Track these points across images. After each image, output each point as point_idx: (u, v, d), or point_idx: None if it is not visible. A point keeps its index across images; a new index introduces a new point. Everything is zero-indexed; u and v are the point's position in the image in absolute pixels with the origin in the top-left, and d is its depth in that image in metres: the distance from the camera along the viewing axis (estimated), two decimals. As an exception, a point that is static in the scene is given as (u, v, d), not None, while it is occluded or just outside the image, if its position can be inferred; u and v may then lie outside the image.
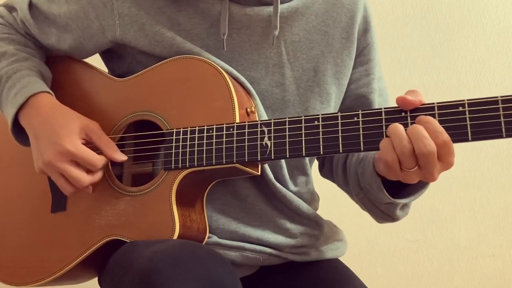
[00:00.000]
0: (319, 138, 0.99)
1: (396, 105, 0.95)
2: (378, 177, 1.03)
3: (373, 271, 2.10)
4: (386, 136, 0.94)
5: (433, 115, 0.92)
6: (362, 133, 0.96)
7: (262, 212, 1.15)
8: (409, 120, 0.93)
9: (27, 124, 1.12)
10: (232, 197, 1.14)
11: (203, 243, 1.10)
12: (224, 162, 1.03)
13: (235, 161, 1.03)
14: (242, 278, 1.11)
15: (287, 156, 1.00)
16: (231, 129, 1.03)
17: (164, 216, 1.04)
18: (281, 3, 1.13)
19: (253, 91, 1.11)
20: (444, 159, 0.91)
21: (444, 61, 2.10)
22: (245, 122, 1.04)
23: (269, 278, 1.19)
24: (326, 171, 1.29)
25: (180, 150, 1.06)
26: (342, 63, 1.19)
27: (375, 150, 0.96)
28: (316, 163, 1.30)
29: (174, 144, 1.07)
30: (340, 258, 1.27)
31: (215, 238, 1.13)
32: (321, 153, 0.99)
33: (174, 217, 1.03)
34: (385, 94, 1.26)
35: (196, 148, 1.05)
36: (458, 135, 0.90)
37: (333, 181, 1.29)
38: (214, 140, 1.04)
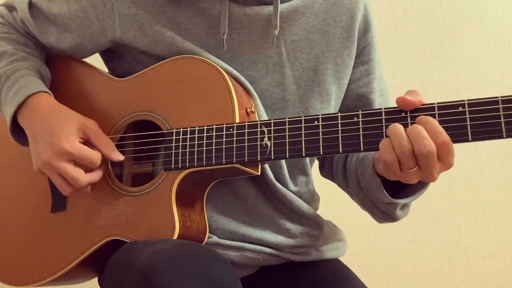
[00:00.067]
0: (319, 138, 0.99)
1: (396, 105, 0.95)
2: (378, 177, 1.03)
3: (373, 271, 2.10)
4: (386, 136, 0.94)
5: (433, 115, 0.92)
6: (362, 133, 0.96)
7: (262, 212, 1.15)
8: (409, 120, 0.93)
9: (26, 124, 1.12)
10: (232, 197, 1.14)
11: (203, 243, 1.10)
12: (224, 162, 1.03)
13: (235, 161, 1.03)
14: (242, 278, 1.11)
15: (287, 156, 1.00)
16: (231, 129, 1.03)
17: (164, 216, 1.04)
18: (281, 2, 1.13)
19: (253, 91, 1.11)
20: (444, 160, 0.91)
21: (444, 61, 2.10)
22: (245, 122, 1.04)
23: (269, 278, 1.19)
24: (326, 171, 1.29)
25: (180, 150, 1.06)
26: (342, 63, 1.19)
27: (375, 150, 0.96)
28: (316, 163, 1.30)
29: (174, 144, 1.07)
30: (340, 258, 1.27)
31: (215, 238, 1.13)
32: (321, 153, 0.99)
33: (174, 217, 1.03)
34: (385, 94, 1.26)
35: (196, 149, 1.05)
36: (458, 135, 0.90)
37: (333, 181, 1.29)
38: (214, 140, 1.04)
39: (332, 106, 1.19)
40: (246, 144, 1.03)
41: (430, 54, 2.10)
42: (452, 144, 0.90)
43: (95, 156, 1.07)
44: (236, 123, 1.04)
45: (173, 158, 1.06)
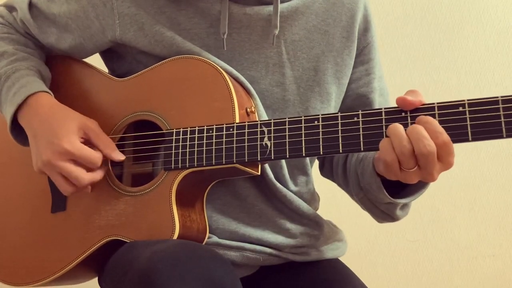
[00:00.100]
0: (319, 138, 0.99)
1: (396, 105, 0.95)
2: (378, 177, 1.03)
3: (373, 271, 2.10)
4: (386, 136, 0.94)
5: (433, 115, 0.92)
6: (362, 133, 0.96)
7: (262, 212, 1.15)
8: (409, 120, 0.93)
9: (26, 123, 1.12)
10: (232, 197, 1.14)
11: (203, 243, 1.10)
12: (224, 162, 1.03)
13: (235, 161, 1.03)
14: (242, 278, 1.11)
15: (287, 156, 1.00)
16: (231, 129, 1.03)
17: (164, 216, 1.04)
18: (281, 2, 1.13)
19: (253, 91, 1.11)
20: (444, 160, 0.91)
21: (444, 61, 2.10)
22: (245, 122, 1.04)
23: (269, 278, 1.19)
24: (326, 171, 1.29)
25: (180, 150, 1.06)
26: (342, 63, 1.19)
27: (375, 150, 0.96)
28: (316, 163, 1.30)
29: (174, 144, 1.07)
30: (340, 258, 1.27)
31: (215, 238, 1.13)
32: (321, 153, 0.99)
33: (174, 217, 1.03)
34: (385, 94, 1.26)
35: (196, 149, 1.05)
36: (459, 135, 0.90)
37: (333, 181, 1.29)
38: (214, 140, 1.04)
39: (332, 106, 1.19)
40: (246, 144, 1.03)
41: (430, 54, 2.10)
42: (452, 144, 0.90)
43: (95, 156, 1.07)
44: (236, 123, 1.04)
45: (173, 158, 1.06)
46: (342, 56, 1.19)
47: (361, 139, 0.96)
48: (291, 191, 1.16)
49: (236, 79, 1.10)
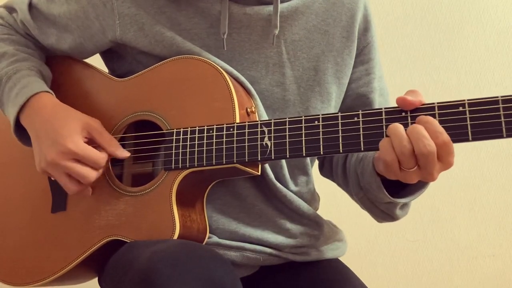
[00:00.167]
0: (319, 138, 0.99)
1: (396, 105, 0.95)
2: (377, 176, 1.03)
3: (373, 271, 2.10)
4: (386, 136, 0.94)
5: (433, 115, 0.92)
6: (363, 133, 0.96)
7: (262, 212, 1.15)
8: (409, 120, 0.93)
9: (28, 124, 1.12)
10: (232, 197, 1.14)
11: (203, 243, 1.10)
12: (224, 162, 1.03)
13: (235, 161, 1.03)
14: (242, 278, 1.11)
15: (287, 156, 1.00)
16: (231, 129, 1.03)
17: (164, 216, 1.04)
18: (281, 2, 1.13)
19: (253, 91, 1.11)
20: (444, 159, 0.91)
21: (444, 61, 2.10)
22: (245, 122, 1.04)
23: (269, 278, 1.19)
24: (326, 171, 1.29)
25: (180, 150, 1.06)
26: (342, 62, 1.19)
27: (375, 150, 0.96)
28: (316, 162, 1.30)
29: (174, 144, 1.07)
30: (340, 258, 1.27)
31: (215, 238, 1.13)
32: (321, 153, 0.99)
33: (174, 217, 1.03)
34: (385, 94, 1.26)
35: (196, 149, 1.05)
36: (459, 135, 0.90)
37: (333, 180, 1.29)
38: (214, 140, 1.04)
39: (332, 105, 1.19)
40: (246, 144, 1.03)
41: (430, 54, 2.10)
42: (452, 144, 0.90)
43: (99, 156, 1.07)
44: (237, 123, 1.04)
45: (173, 158, 1.06)
46: (342, 56, 1.19)
47: (361, 139, 0.96)
48: (291, 191, 1.16)
49: (236, 79, 1.10)
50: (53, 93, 1.15)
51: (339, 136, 0.97)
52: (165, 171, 1.07)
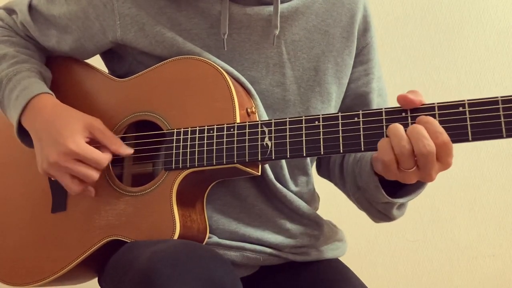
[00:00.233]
0: (320, 138, 0.99)
1: (396, 105, 0.95)
2: (375, 176, 1.03)
3: (373, 271, 2.10)
4: (386, 136, 0.94)
5: (433, 115, 0.92)
6: (363, 133, 0.96)
7: (262, 212, 1.15)
8: (409, 121, 0.93)
9: (30, 126, 1.12)
10: (232, 197, 1.14)
11: (203, 243, 1.10)
12: (224, 162, 1.03)
13: (235, 161, 1.03)
14: (242, 278, 1.11)
15: (288, 156, 1.00)
16: (232, 129, 1.03)
17: (165, 216, 1.04)
18: (281, 2, 1.13)
19: (254, 91, 1.11)
20: (443, 160, 0.91)
21: (444, 61, 2.10)
22: (245, 122, 1.04)
23: (269, 278, 1.19)
24: (323, 170, 1.29)
25: (181, 150, 1.06)
26: (342, 63, 1.19)
27: (375, 150, 0.96)
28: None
29: (174, 144, 1.07)
30: (340, 258, 1.27)
31: (215, 238, 1.13)
32: (322, 153, 0.99)
33: (174, 217, 1.03)
34: (384, 94, 1.26)
35: (196, 149, 1.05)
36: (459, 135, 0.90)
37: (330, 180, 1.29)
38: (214, 141, 1.04)
39: (332, 106, 1.19)
40: (247, 144, 1.03)
41: (430, 54, 2.10)
42: (451, 144, 0.90)
43: (101, 156, 1.07)
44: (237, 123, 1.04)
45: (173, 158, 1.06)
46: (342, 56, 1.19)
47: (362, 139, 0.96)
48: (291, 191, 1.16)
49: (236, 80, 1.10)
50: (53, 94, 1.15)
51: (339, 136, 0.97)
52: (166, 171, 1.07)
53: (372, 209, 1.14)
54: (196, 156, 1.05)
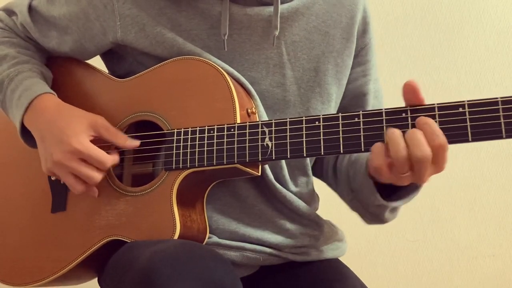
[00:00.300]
0: (320, 138, 0.99)
1: (396, 106, 0.95)
2: (370, 179, 1.03)
3: (373, 271, 2.10)
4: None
5: (433, 116, 0.92)
6: (363, 134, 0.96)
7: (262, 213, 1.15)
8: (409, 121, 0.93)
9: (33, 126, 1.12)
10: (232, 197, 1.14)
11: (203, 243, 1.10)
12: (225, 163, 1.03)
13: (236, 162, 1.03)
14: (242, 278, 1.11)
15: (288, 156, 1.00)
16: (232, 130, 1.03)
17: (165, 216, 1.04)
18: (281, 3, 1.13)
19: (254, 92, 1.11)
20: (438, 163, 0.91)
21: (444, 61, 2.10)
22: (246, 123, 1.04)
23: (269, 278, 1.19)
24: (317, 170, 1.29)
25: (181, 150, 1.06)
26: (342, 63, 1.19)
27: (376, 151, 0.96)
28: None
29: (175, 144, 1.07)
30: (340, 258, 1.27)
31: (215, 238, 1.13)
32: (322, 153, 0.99)
33: (174, 217, 1.03)
34: (380, 96, 1.26)
35: (197, 149, 1.05)
36: (459, 136, 0.90)
37: (323, 180, 1.29)
38: (215, 141, 1.04)
39: (332, 106, 1.19)
40: (247, 144, 1.03)
41: (430, 54, 2.10)
42: (447, 147, 0.90)
43: (105, 156, 1.07)
44: (237, 124, 1.04)
45: (174, 159, 1.06)
46: (342, 57, 1.19)
47: (362, 140, 0.96)
48: (291, 191, 1.16)
49: (237, 80, 1.10)
50: (55, 93, 1.15)
51: (339, 137, 0.97)
52: (166, 171, 1.07)
53: (365, 211, 1.14)
54: (197, 156, 1.05)
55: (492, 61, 2.09)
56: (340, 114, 0.98)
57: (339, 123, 0.98)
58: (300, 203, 1.17)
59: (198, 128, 1.06)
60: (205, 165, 1.04)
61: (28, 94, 1.11)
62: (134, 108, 1.13)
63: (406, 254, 2.11)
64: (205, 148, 1.04)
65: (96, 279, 1.21)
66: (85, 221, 1.12)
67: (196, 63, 1.09)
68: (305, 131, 1.00)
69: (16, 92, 1.12)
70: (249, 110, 1.08)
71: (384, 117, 0.95)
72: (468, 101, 0.91)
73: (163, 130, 1.09)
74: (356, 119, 0.97)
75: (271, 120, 1.03)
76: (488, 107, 0.89)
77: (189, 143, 1.06)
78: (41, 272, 1.14)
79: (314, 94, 1.16)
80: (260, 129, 1.03)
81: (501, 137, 0.88)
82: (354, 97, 1.23)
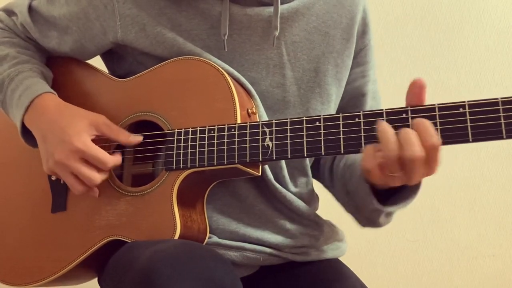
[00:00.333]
0: (321, 139, 0.99)
1: (396, 107, 0.95)
2: (366, 182, 1.03)
3: (373, 271, 2.10)
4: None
5: (434, 116, 0.92)
6: (364, 134, 0.96)
7: (262, 213, 1.15)
8: (410, 122, 0.93)
9: (34, 125, 1.12)
10: (232, 197, 1.14)
11: (204, 243, 1.10)
12: (225, 163, 1.03)
13: (236, 162, 1.03)
14: (242, 278, 1.11)
15: (289, 156, 1.00)
16: (233, 130, 1.03)
17: (165, 216, 1.04)
18: (281, 3, 1.12)
19: (254, 92, 1.11)
20: (430, 164, 0.91)
21: (444, 61, 2.10)
22: (246, 123, 1.04)
23: (269, 278, 1.19)
24: (313, 171, 1.28)
25: (182, 150, 1.06)
26: (342, 64, 1.19)
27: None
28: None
29: (175, 144, 1.07)
30: (340, 258, 1.27)
31: (215, 238, 1.13)
32: (323, 153, 0.99)
33: (175, 217, 1.03)
34: (378, 97, 1.26)
35: (197, 149, 1.05)
36: (459, 136, 0.90)
37: (318, 180, 1.28)
38: (215, 141, 1.04)
39: (332, 107, 1.19)
40: (247, 144, 1.03)
41: (430, 54, 2.10)
42: (440, 149, 0.90)
43: (107, 157, 1.07)
44: (238, 124, 1.04)
45: (174, 159, 1.06)
46: (342, 57, 1.19)
47: (363, 140, 0.96)
48: (291, 192, 1.16)
49: (237, 80, 1.10)
50: (55, 93, 1.15)
51: (340, 137, 0.97)
52: (166, 171, 1.07)
53: (359, 214, 1.14)
54: (197, 157, 1.05)
55: (492, 61, 2.09)
56: (340, 114, 0.98)
57: (339, 123, 0.98)
58: (300, 203, 1.17)
59: (198, 128, 1.06)
60: (206, 165, 1.04)
61: (29, 94, 1.11)
62: (134, 108, 1.13)
63: (406, 254, 2.11)
64: (206, 148, 1.04)
65: (96, 279, 1.21)
66: (85, 221, 1.12)
67: (196, 63, 1.09)
68: (306, 131, 1.00)
69: (17, 92, 1.12)
70: (249, 110, 1.08)
71: (384, 117, 0.95)
72: (468, 101, 0.91)
73: (163, 130, 1.09)
74: (357, 119, 0.97)
75: (272, 120, 1.03)
76: (488, 108, 0.89)
77: (189, 143, 1.06)
78: (41, 272, 1.14)
79: (314, 95, 1.16)
80: (260, 129, 1.03)
81: (501, 138, 0.88)
82: (352, 98, 1.23)
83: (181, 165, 1.05)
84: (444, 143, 0.91)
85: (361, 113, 0.97)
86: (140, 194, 1.08)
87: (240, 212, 1.14)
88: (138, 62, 1.16)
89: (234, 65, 1.12)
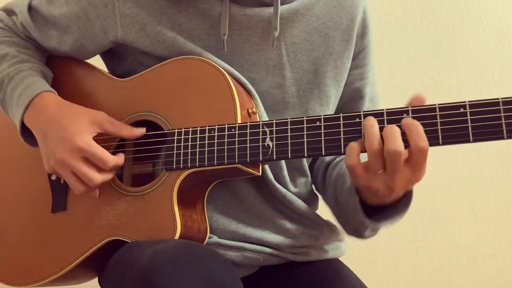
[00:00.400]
0: (321, 139, 0.99)
1: (397, 106, 0.95)
2: (356, 196, 1.03)
3: (373, 271, 2.10)
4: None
5: (435, 116, 0.92)
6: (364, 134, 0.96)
7: (262, 213, 1.15)
8: (410, 122, 0.93)
9: (34, 124, 1.12)
10: (232, 197, 1.14)
11: (204, 243, 1.10)
12: (225, 163, 1.03)
13: (236, 162, 1.03)
14: (242, 278, 1.10)
15: (289, 156, 1.00)
16: (233, 130, 1.03)
17: (166, 216, 1.04)
18: (281, 4, 1.12)
19: (254, 92, 1.11)
20: (414, 168, 0.91)
21: (444, 61, 2.10)
22: (247, 123, 1.04)
23: (269, 278, 1.19)
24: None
25: (182, 150, 1.06)
26: (342, 66, 1.19)
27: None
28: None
29: (175, 144, 1.07)
30: (340, 258, 1.27)
31: (215, 238, 1.13)
32: (323, 153, 0.99)
33: (175, 217, 1.03)
34: (376, 100, 1.26)
35: (198, 149, 1.05)
36: (460, 136, 0.90)
37: (311, 182, 1.28)
38: (215, 141, 1.04)
39: (331, 108, 1.20)
40: (248, 144, 1.03)
41: (430, 54, 2.10)
42: (427, 152, 0.90)
43: (108, 156, 1.07)
44: (238, 124, 1.04)
45: (174, 158, 1.06)
46: (342, 59, 1.19)
47: (363, 140, 0.96)
48: (291, 191, 1.16)
49: (237, 80, 1.10)
50: (55, 92, 1.15)
51: (341, 137, 0.97)
52: (166, 171, 1.07)
53: (346, 224, 1.15)
54: (197, 156, 1.05)
55: (492, 61, 2.09)
56: (341, 115, 0.98)
57: (340, 123, 0.98)
58: (300, 203, 1.17)
59: (198, 128, 1.06)
60: (206, 165, 1.04)
61: (29, 93, 1.11)
62: (134, 108, 1.13)
63: (406, 254, 2.11)
64: (206, 148, 1.04)
65: (96, 279, 1.21)
66: (85, 221, 1.12)
67: (196, 62, 1.09)
68: (306, 131, 1.00)
69: (16, 91, 1.12)
70: (249, 110, 1.08)
71: (385, 117, 0.95)
72: (469, 101, 0.91)
73: (163, 130, 1.09)
74: (358, 119, 0.97)
75: (272, 120, 1.03)
76: (489, 108, 0.89)
77: (189, 143, 1.06)
78: (41, 272, 1.14)
79: (313, 96, 1.16)
80: (261, 129, 1.03)
81: (502, 138, 0.89)
82: (350, 100, 1.23)
83: (181, 165, 1.05)
84: (444, 143, 0.91)
85: (362, 113, 0.97)
86: (140, 194, 1.08)
87: (240, 212, 1.14)
88: (138, 61, 1.16)
89: (234, 65, 1.12)
